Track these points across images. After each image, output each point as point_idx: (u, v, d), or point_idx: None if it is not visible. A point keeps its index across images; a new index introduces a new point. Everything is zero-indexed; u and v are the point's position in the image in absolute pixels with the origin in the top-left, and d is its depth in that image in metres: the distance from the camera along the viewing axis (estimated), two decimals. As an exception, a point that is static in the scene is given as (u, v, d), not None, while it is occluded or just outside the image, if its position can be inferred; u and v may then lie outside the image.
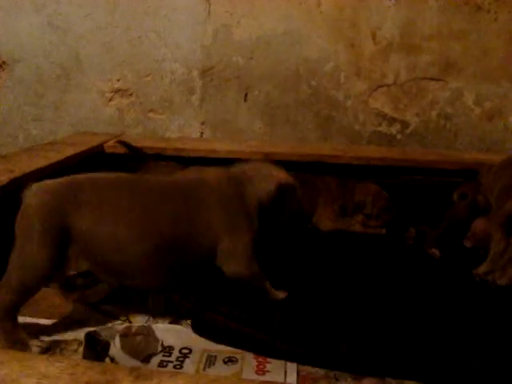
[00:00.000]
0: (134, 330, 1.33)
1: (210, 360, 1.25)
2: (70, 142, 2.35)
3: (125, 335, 1.30)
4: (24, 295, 1.26)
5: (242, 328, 1.32)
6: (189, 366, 1.23)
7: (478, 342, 1.32)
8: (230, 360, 1.26)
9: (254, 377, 1.20)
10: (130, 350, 1.25)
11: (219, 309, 1.37)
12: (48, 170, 1.85)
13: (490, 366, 1.23)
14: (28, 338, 1.23)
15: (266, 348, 1.28)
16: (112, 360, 1.23)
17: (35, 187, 1.27)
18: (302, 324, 1.33)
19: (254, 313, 1.36)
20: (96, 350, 1.25)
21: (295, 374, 1.21)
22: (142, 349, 1.27)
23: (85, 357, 1.22)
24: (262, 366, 1.24)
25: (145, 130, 2.81)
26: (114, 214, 1.26)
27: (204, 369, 1.22)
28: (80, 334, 1.31)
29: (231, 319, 1.33)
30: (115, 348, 1.25)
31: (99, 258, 1.27)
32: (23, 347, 1.20)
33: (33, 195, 1.26)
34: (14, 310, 1.25)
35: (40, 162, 1.87)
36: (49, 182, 1.31)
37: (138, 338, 1.30)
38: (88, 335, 1.27)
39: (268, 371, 1.22)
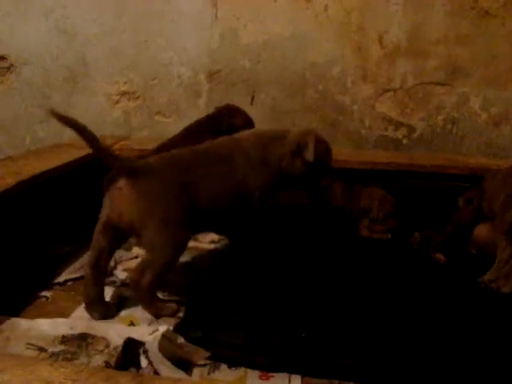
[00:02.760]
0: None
1: (215, 365, 1.25)
2: (76, 144, 2.35)
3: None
4: (167, 272, 1.48)
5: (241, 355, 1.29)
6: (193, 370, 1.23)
7: (482, 352, 1.32)
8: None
9: (259, 382, 1.20)
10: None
11: (217, 336, 1.34)
12: (55, 172, 1.86)
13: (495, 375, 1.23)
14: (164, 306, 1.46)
15: (268, 367, 1.26)
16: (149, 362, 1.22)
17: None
18: (302, 343, 1.33)
19: (251, 338, 1.34)
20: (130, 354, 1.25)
21: (299, 380, 1.21)
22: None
23: (118, 361, 1.21)
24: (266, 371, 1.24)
25: (151, 132, 2.81)
26: None
27: (208, 373, 1.22)
28: (110, 334, 1.31)
29: (229, 348, 1.30)
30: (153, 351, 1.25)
31: None
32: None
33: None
34: (158, 286, 1.48)
35: (47, 164, 1.88)
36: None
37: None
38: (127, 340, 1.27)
39: (272, 376, 1.22)
